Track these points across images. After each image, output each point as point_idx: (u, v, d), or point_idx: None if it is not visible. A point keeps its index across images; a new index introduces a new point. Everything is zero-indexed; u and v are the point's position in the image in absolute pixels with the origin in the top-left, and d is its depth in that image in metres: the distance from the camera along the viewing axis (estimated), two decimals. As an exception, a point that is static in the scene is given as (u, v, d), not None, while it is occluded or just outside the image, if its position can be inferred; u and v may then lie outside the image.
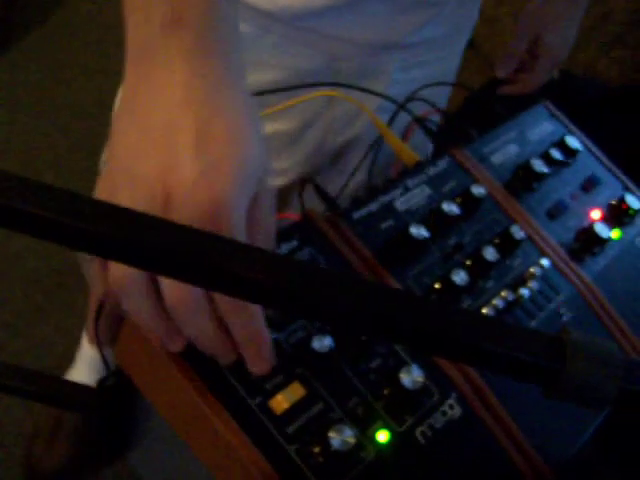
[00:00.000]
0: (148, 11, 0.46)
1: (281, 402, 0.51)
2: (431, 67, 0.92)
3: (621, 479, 0.55)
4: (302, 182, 0.72)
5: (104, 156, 1.00)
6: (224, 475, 0.52)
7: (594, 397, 0.37)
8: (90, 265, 0.46)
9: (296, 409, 0.51)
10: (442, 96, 0.99)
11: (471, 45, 0.99)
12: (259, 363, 0.49)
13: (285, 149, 0.92)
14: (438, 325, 0.37)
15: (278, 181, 0.92)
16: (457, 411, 0.56)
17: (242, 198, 0.45)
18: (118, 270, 0.44)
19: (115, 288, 0.44)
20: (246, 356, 0.48)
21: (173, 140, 0.44)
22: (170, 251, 0.35)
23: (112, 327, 0.57)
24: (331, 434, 0.50)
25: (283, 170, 0.93)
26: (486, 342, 0.37)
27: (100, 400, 0.62)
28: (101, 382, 0.62)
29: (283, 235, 0.59)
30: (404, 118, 0.78)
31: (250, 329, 0.47)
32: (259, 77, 0.83)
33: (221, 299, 0.45)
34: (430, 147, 0.83)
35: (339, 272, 0.51)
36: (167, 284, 0.44)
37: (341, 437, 0.50)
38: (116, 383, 0.60)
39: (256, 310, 0.46)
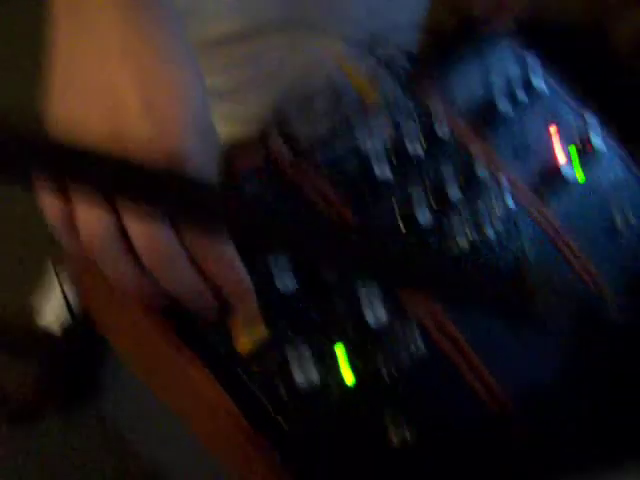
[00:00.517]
0: None
1: (245, 342, 0.51)
2: (397, 11, 0.91)
3: (582, 410, 0.56)
4: (267, 128, 0.71)
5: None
6: (189, 417, 0.53)
7: (557, 328, 0.37)
8: (61, 230, 0.45)
9: (260, 348, 0.51)
10: (411, 42, 0.98)
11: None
12: (244, 302, 0.49)
13: (250, 98, 0.91)
14: (407, 263, 0.37)
15: (243, 130, 0.91)
16: (421, 347, 0.56)
17: (199, 146, 0.44)
18: (89, 231, 0.43)
19: (88, 249, 0.44)
20: (230, 298, 0.48)
21: (117, 99, 0.43)
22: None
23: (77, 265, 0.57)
24: (295, 373, 0.50)
25: (248, 119, 0.92)
26: (452, 280, 0.37)
27: (66, 348, 0.62)
28: (67, 330, 0.61)
29: (246, 179, 0.59)
30: (371, 62, 0.77)
31: (228, 269, 0.47)
32: (219, 28, 0.82)
33: (195, 246, 0.45)
34: (397, 89, 0.82)
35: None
36: (140, 237, 0.43)
37: (305, 375, 0.50)
38: (82, 328, 0.60)
39: (231, 250, 0.46)
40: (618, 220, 0.73)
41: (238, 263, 0.47)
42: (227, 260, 0.46)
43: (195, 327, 0.51)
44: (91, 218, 0.43)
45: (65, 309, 0.62)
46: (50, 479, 0.79)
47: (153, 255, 0.44)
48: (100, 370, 0.65)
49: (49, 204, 0.44)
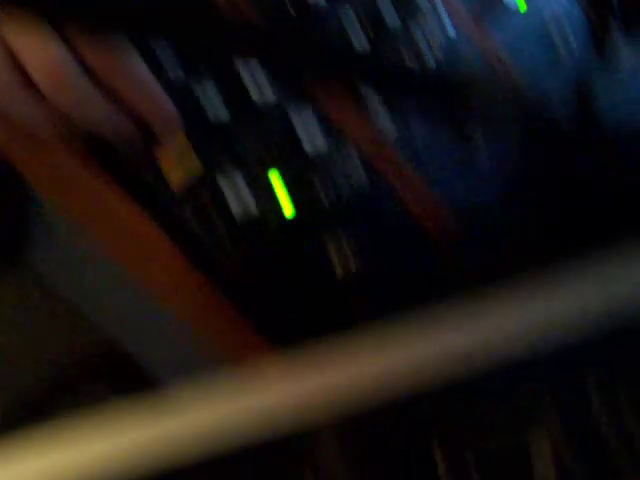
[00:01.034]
0: None
1: (177, 176, 0.48)
2: None
3: (527, 224, 0.56)
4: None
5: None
6: (126, 259, 0.51)
7: (496, 114, 0.36)
8: None
9: (193, 182, 0.49)
10: None
11: None
12: (167, 127, 0.46)
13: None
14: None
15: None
16: (361, 173, 0.54)
17: None
18: None
19: None
20: (146, 115, 0.45)
21: None
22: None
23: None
24: (231, 205, 0.48)
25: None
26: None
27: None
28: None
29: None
30: None
31: (139, 87, 0.43)
32: None
33: (96, 62, 0.41)
34: None
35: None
36: (32, 61, 0.39)
37: (242, 207, 0.48)
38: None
39: (140, 65, 0.42)
40: (558, 46, 0.71)
41: (150, 80, 0.43)
42: (136, 76, 0.42)
43: (125, 164, 0.48)
44: None
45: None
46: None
47: (50, 79, 0.39)
48: (29, 223, 0.62)
49: None
